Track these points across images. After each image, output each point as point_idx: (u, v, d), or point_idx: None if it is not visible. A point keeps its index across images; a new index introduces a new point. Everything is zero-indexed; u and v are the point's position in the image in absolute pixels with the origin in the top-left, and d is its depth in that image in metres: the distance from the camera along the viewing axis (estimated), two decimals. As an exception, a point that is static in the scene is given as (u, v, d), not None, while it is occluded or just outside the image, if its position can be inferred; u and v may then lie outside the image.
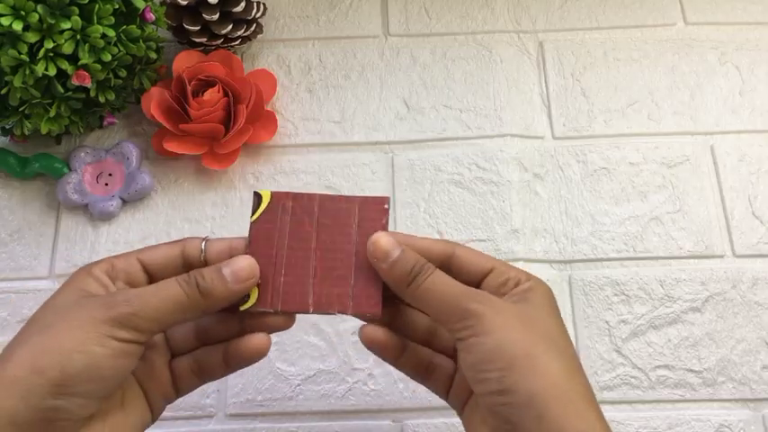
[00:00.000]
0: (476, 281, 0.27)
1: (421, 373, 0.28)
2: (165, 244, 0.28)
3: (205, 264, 0.27)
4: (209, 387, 0.36)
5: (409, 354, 0.28)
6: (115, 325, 0.24)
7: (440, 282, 0.25)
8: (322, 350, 0.37)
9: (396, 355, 0.28)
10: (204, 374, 0.28)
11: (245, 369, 0.35)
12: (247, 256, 0.26)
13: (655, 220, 0.40)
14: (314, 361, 0.37)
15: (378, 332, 0.27)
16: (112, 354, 0.24)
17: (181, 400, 0.34)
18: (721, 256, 0.39)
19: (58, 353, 0.23)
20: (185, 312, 0.25)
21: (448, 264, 0.27)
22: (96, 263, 0.27)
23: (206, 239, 0.28)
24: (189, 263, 0.27)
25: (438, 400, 0.28)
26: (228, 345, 0.27)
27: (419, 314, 0.28)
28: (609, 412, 0.36)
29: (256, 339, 0.27)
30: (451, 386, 0.28)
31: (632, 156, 0.42)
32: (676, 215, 0.40)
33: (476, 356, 0.24)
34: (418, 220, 0.40)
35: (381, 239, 0.26)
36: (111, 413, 0.25)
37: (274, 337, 0.35)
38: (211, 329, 0.28)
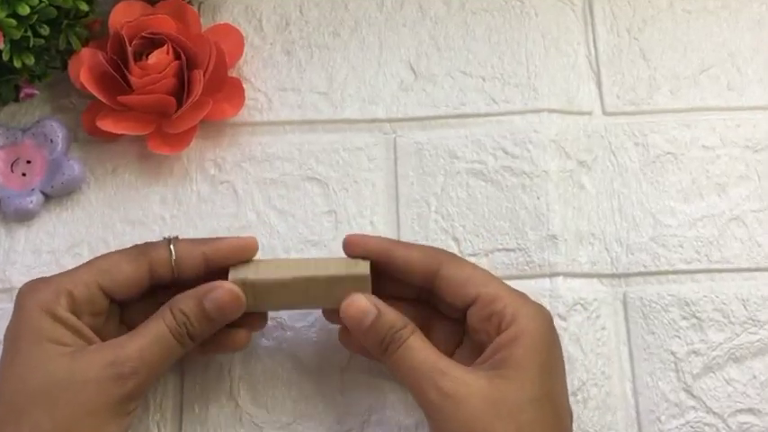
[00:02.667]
0: (459, 310, 0.32)
1: None
2: (124, 257, 0.32)
3: (177, 276, 0.32)
4: None
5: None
6: (128, 405, 0.30)
7: (411, 353, 0.30)
8: (304, 390, 0.36)
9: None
10: None
11: (205, 414, 0.37)
12: (229, 285, 0.31)
13: (735, 221, 0.39)
14: (294, 404, 0.36)
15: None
16: (127, 425, 0.31)
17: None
18: (822, 268, 0.37)
19: None
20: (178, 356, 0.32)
21: (431, 284, 0.32)
22: (54, 295, 0.30)
23: (171, 244, 0.33)
24: (157, 277, 0.32)
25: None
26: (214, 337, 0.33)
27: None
28: (677, 472, 0.34)
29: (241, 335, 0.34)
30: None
31: (706, 137, 0.41)
32: (763, 214, 0.39)
33: None
34: (428, 223, 0.39)
35: (354, 303, 0.31)
36: None
37: (243, 371, 0.37)
38: None
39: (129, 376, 0.29)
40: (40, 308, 0.30)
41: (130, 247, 0.33)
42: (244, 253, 0.33)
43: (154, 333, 0.30)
